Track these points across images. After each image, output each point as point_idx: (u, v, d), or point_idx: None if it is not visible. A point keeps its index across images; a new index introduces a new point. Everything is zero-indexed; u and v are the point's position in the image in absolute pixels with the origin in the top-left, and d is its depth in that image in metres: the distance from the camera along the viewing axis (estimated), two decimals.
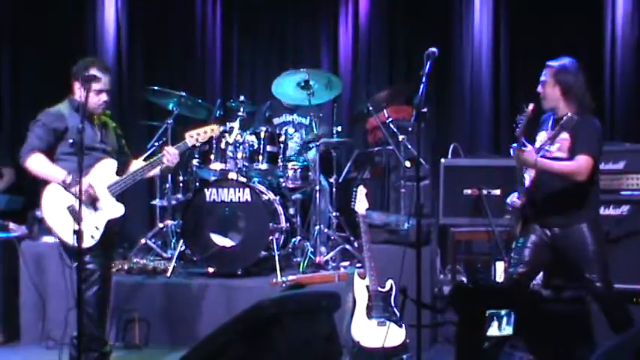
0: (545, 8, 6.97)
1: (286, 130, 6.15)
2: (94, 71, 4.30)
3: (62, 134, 4.32)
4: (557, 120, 4.34)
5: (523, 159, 4.19)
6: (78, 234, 3.90)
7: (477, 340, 3.80)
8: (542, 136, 4.41)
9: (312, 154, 6.12)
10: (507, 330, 3.86)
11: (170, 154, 4.49)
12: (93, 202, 4.26)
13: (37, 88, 7.21)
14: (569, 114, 4.19)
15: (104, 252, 4.38)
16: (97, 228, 4.25)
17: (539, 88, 4.41)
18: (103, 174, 4.36)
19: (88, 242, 4.15)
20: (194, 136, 4.65)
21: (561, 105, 4.35)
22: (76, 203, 4.14)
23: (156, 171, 4.58)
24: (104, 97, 4.39)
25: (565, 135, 4.25)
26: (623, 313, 4.34)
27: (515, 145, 4.18)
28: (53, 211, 4.28)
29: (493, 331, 3.84)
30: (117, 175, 4.41)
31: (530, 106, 4.20)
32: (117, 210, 4.36)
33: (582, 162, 4.20)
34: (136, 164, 4.60)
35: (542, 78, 4.40)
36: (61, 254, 4.35)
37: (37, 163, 4.28)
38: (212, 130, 4.73)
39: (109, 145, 4.51)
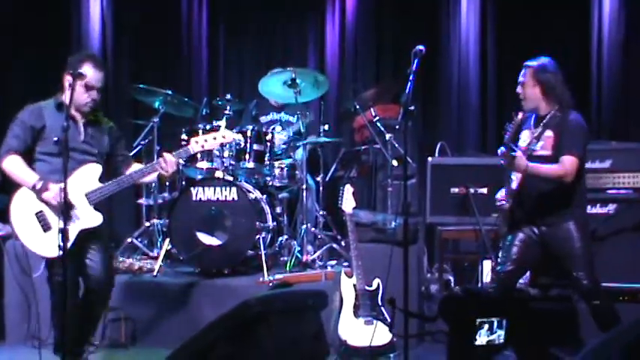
0: (533, 6, 7.00)
1: (273, 128, 6.14)
2: (87, 66, 4.13)
3: (39, 133, 4.16)
4: (540, 118, 4.36)
5: (514, 165, 4.19)
6: (63, 233, 3.73)
7: (469, 349, 3.78)
8: (525, 135, 4.42)
9: (299, 154, 6.11)
10: (498, 338, 3.84)
11: (166, 163, 4.22)
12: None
13: (24, 87, 7.15)
14: (552, 112, 4.21)
15: (76, 262, 4.16)
16: None
17: (519, 89, 4.41)
18: (83, 180, 4.14)
19: (54, 252, 3.93)
20: (199, 142, 4.33)
21: (542, 104, 4.36)
22: (46, 209, 4.06)
23: (152, 177, 4.38)
24: (94, 94, 4.18)
25: (549, 133, 4.28)
26: (611, 312, 4.35)
27: (503, 149, 4.18)
28: (20, 217, 4.11)
29: (483, 339, 3.82)
30: (100, 181, 4.19)
31: (520, 115, 4.22)
32: (93, 219, 4.13)
33: (568, 163, 4.21)
34: (135, 167, 4.40)
35: (521, 79, 4.39)
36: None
37: (11, 166, 4.13)
38: (223, 137, 4.40)
39: (94, 147, 4.28)
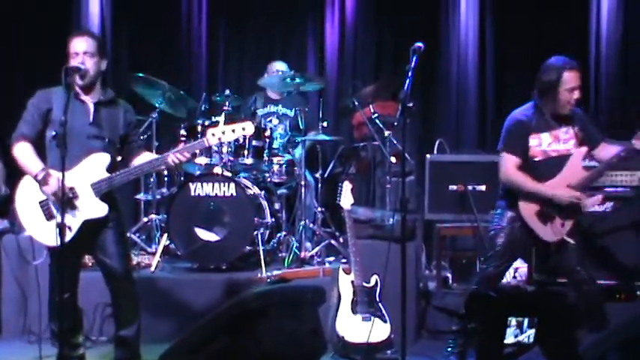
0: (531, 3, 7.01)
1: (270, 120, 6.15)
2: (73, 42, 4.08)
3: (47, 116, 4.08)
4: (557, 117, 4.39)
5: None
6: (60, 228, 3.74)
7: (498, 347, 3.71)
8: (547, 138, 4.41)
9: (298, 152, 6.11)
10: (528, 337, 3.77)
11: (178, 156, 4.06)
12: (68, 201, 3.91)
13: (24, 79, 7.14)
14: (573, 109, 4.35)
15: (78, 255, 4.19)
16: (69, 229, 3.92)
17: (579, 94, 4.37)
18: (90, 169, 4.05)
19: (55, 242, 3.85)
20: (216, 135, 4.06)
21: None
22: (49, 199, 4.02)
23: (160, 168, 4.24)
24: (79, 59, 4.03)
25: (575, 129, 4.41)
26: (599, 302, 4.39)
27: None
28: (25, 205, 4.07)
29: (513, 338, 3.74)
30: (109, 170, 4.08)
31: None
32: (97, 210, 4.04)
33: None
34: (145, 157, 4.24)
35: (579, 82, 4.36)
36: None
37: (19, 153, 4.07)
38: (243, 129, 4.09)
39: (103, 130, 4.12)
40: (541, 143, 4.39)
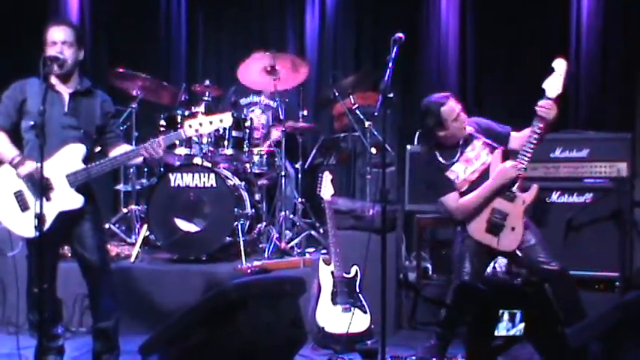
0: None
1: (252, 110, 6.13)
2: (51, 31, 4.00)
3: (21, 106, 4.02)
4: (457, 142, 4.45)
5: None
6: (39, 219, 3.62)
7: (487, 340, 3.71)
8: (461, 166, 4.44)
9: (275, 134, 6.11)
10: (519, 330, 3.76)
11: (153, 147, 4.01)
12: (44, 191, 3.82)
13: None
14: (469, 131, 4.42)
15: (55, 246, 4.15)
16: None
17: (464, 118, 4.46)
18: (65, 160, 3.99)
19: (31, 233, 3.76)
20: (193, 126, 4.02)
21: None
22: (24, 189, 3.96)
23: (138, 160, 4.15)
24: (57, 48, 3.98)
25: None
26: (576, 295, 4.40)
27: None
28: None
29: (503, 331, 3.73)
30: (85, 161, 4.02)
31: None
32: (72, 202, 3.99)
33: None
34: (122, 149, 4.17)
35: (459, 107, 4.45)
36: None
37: None
38: (221, 120, 4.04)
39: (78, 121, 4.06)
40: (458, 175, 4.42)
